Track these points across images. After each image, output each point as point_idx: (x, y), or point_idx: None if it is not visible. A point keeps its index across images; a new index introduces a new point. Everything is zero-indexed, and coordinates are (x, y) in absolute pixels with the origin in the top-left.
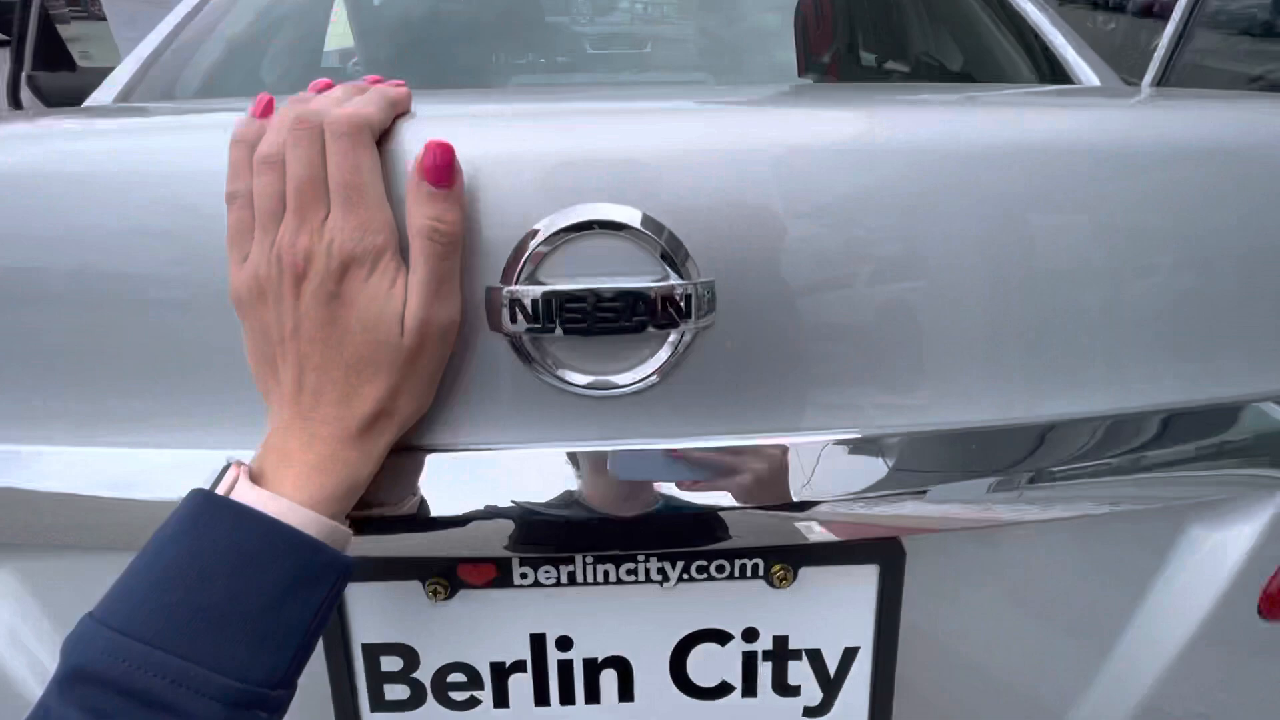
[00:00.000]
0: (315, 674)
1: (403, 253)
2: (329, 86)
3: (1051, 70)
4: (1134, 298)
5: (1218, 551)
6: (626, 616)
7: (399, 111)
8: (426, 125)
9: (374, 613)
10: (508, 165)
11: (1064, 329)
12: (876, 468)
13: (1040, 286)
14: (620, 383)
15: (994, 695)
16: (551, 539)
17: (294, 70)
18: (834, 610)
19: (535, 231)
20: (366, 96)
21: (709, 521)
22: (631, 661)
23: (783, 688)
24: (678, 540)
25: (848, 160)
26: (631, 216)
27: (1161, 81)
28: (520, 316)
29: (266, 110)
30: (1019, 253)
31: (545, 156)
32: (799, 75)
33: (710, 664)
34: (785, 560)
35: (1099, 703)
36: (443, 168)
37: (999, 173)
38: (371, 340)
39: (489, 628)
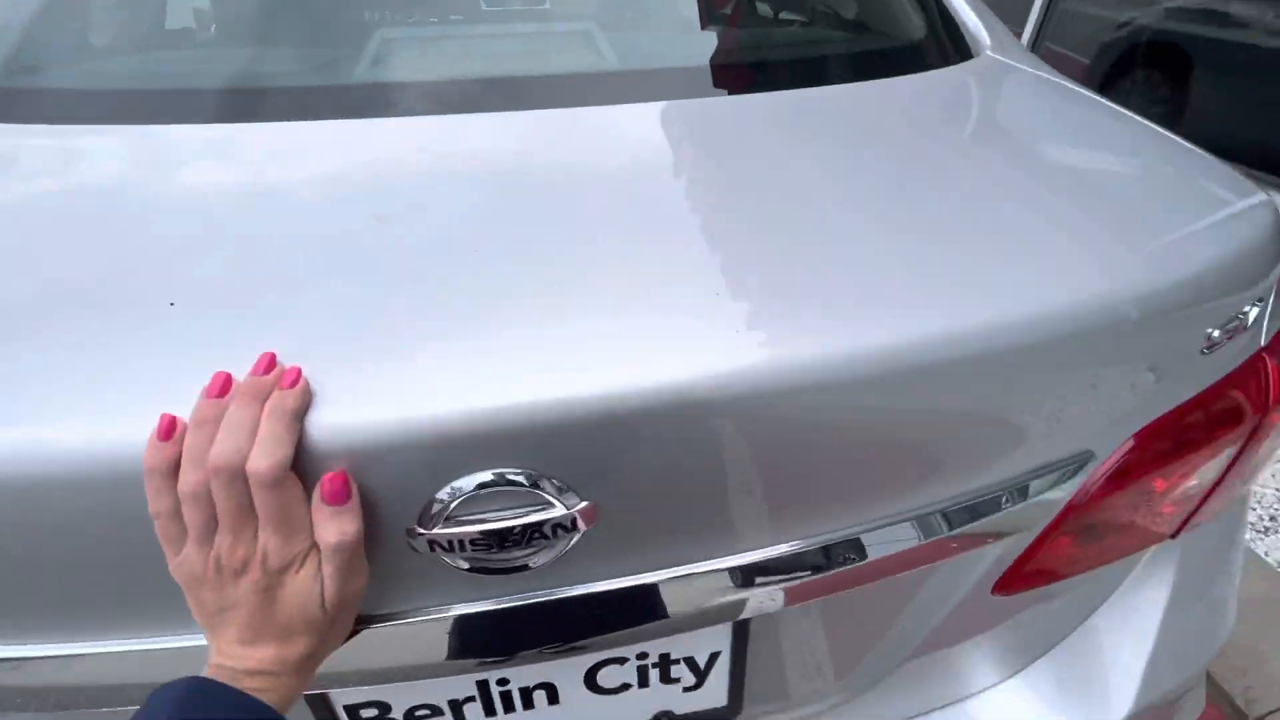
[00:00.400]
0: None
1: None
2: (273, 363)
3: (941, 17)
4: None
5: (972, 561)
6: (550, 664)
7: (304, 415)
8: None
9: (349, 687)
10: (415, 444)
11: (850, 483)
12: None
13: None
14: (521, 568)
15: (812, 660)
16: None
17: (131, 31)
18: (703, 634)
19: (437, 498)
20: (273, 430)
21: (611, 625)
22: (556, 685)
23: (667, 680)
24: (574, 643)
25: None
26: (519, 474)
27: (1041, 31)
28: (437, 549)
29: (169, 432)
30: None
31: (444, 436)
32: (701, 28)
33: (615, 674)
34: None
35: (887, 649)
36: (338, 492)
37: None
38: (300, 615)
39: (444, 683)
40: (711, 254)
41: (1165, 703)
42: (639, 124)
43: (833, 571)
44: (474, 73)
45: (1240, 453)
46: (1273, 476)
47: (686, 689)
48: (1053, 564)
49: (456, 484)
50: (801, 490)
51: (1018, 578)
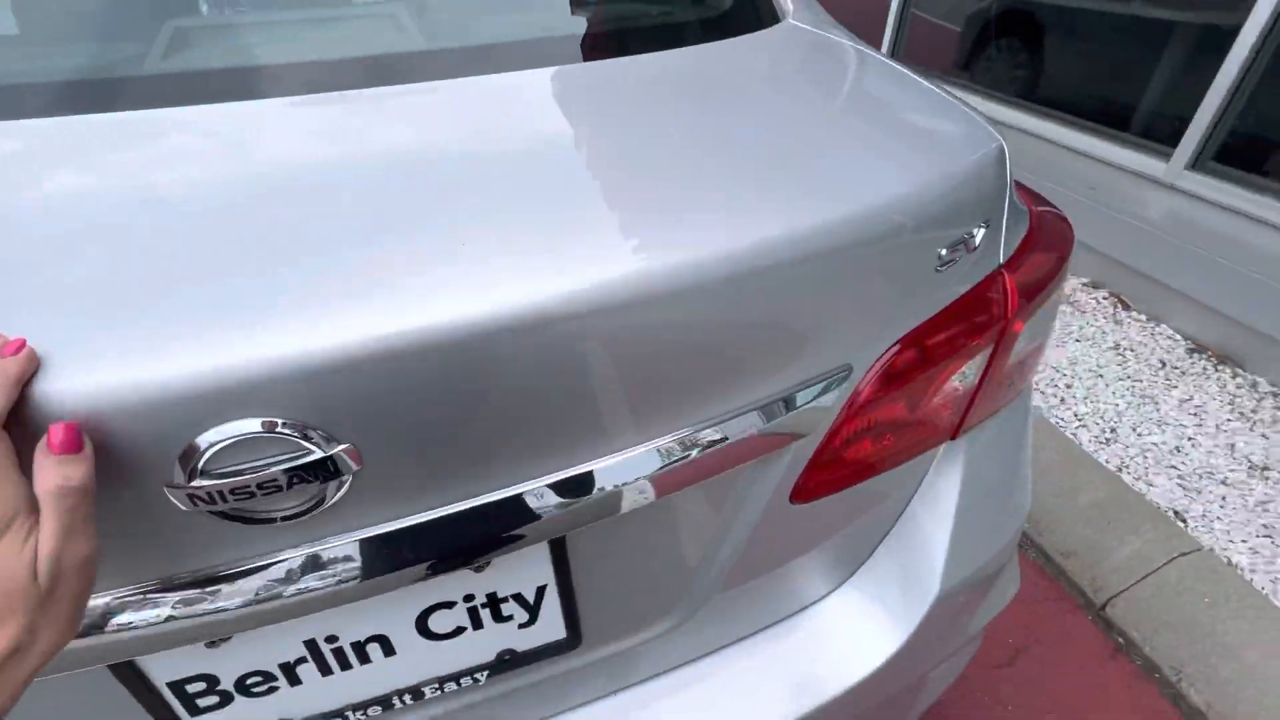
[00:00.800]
0: (131, 705)
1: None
2: (22, 347)
3: None
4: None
5: (770, 470)
6: (375, 613)
7: (24, 383)
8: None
9: (165, 661)
10: (160, 399)
11: (628, 403)
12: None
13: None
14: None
15: (639, 584)
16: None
17: None
18: (524, 569)
19: (194, 446)
20: None
21: (420, 559)
22: (389, 635)
23: (500, 618)
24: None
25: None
26: (272, 421)
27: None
28: (199, 502)
29: None
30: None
31: (191, 390)
32: (528, 4)
33: (446, 619)
34: (480, 558)
35: (706, 568)
36: (68, 440)
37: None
38: (2, 590)
39: (268, 648)
40: (481, 204)
41: (976, 583)
42: (443, 99)
43: (592, 495)
44: (283, 57)
45: (992, 359)
46: (1113, 394)
47: (522, 625)
48: (838, 470)
49: (213, 436)
50: (560, 418)
51: (809, 486)
